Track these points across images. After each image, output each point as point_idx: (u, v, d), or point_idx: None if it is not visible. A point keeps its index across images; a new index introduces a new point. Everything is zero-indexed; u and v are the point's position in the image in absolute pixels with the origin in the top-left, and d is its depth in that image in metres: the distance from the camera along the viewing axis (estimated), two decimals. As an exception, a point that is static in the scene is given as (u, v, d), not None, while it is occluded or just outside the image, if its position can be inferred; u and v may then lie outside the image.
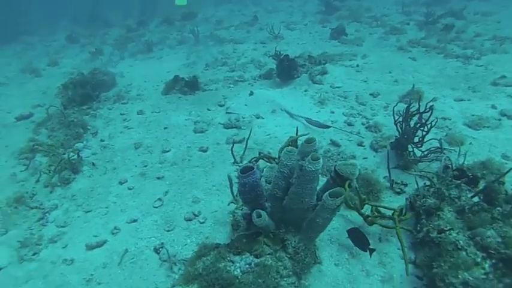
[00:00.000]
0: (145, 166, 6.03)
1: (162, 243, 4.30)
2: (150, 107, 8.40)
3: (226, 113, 7.31)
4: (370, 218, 3.83)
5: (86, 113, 8.42)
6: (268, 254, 3.25)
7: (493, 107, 6.40)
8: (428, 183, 4.09)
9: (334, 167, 3.15)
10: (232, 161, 5.64)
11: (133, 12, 22.81)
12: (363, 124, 6.39)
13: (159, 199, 5.11)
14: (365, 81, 8.22)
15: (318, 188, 3.33)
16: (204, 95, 8.63)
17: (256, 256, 3.22)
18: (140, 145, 6.68)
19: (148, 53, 13.91)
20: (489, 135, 5.63)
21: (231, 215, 4.43)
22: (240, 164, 5.52)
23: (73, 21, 22.81)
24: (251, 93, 7.69)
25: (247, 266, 3.10)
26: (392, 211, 3.74)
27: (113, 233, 4.59)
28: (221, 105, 7.80)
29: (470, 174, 4.11)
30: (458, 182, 3.83)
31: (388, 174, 4.70)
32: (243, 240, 3.39)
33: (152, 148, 6.57)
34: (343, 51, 10.33)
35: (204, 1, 22.19)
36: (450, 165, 4.36)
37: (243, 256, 3.23)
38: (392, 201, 4.37)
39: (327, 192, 2.98)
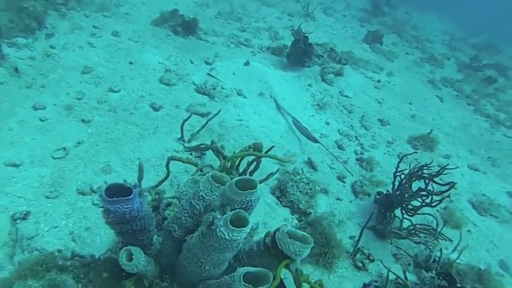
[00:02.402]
0: (79, 99, 4.68)
1: (28, 212, 3.06)
2: (130, 32, 6.89)
3: (207, 74, 5.93)
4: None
5: (55, 7, 6.80)
6: (126, 314, 2.05)
7: (509, 194, 5.22)
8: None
9: (274, 234, 1.90)
10: (179, 136, 4.35)
11: None
12: (355, 153, 5.14)
13: (64, 149, 3.82)
14: (379, 103, 6.90)
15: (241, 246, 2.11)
16: (196, 43, 7.17)
17: (105, 311, 2.02)
18: (90, 71, 5.29)
19: (165, -25, 12.10)
20: (493, 229, 4.48)
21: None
22: (186, 145, 4.24)
23: None
24: (247, 63, 6.30)
25: (78, 326, 1.90)
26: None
27: (-25, 171, 3.32)
28: (208, 63, 6.40)
29: (459, 286, 2.95)
30: (443, 298, 2.66)
31: (357, 236, 3.51)
32: (102, 273, 2.17)
33: (101, 80, 5.18)
34: (370, 59, 8.89)
35: None
36: (439, 261, 3.18)
37: (87, 303, 2.01)
38: (345, 278, 3.20)
39: (243, 271, 1.75)
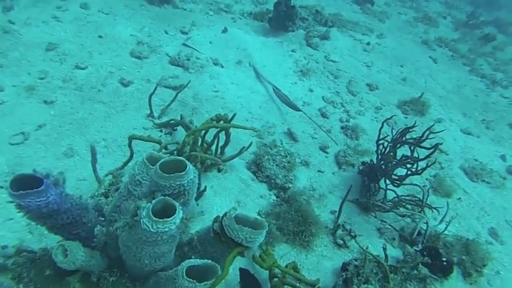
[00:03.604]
0: (42, 79, 4.35)
1: (-22, 204, 2.84)
2: (101, 3, 6.41)
3: (183, 44, 5.55)
4: (277, 280, 2.46)
5: (16, -21, 6.36)
6: (68, 314, 1.85)
7: (503, 157, 4.98)
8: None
9: (222, 219, 1.66)
10: (149, 111, 4.06)
11: None
12: (340, 121, 4.86)
13: (23, 133, 3.55)
14: (368, 66, 6.54)
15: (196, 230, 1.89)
16: (173, 12, 6.71)
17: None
18: (55, 48, 4.91)
19: None
20: (485, 195, 4.27)
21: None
22: (156, 121, 3.96)
23: None
24: (224, 30, 5.90)
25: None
26: (312, 286, 2.39)
27: None
28: (184, 32, 5.99)
29: (444, 260, 2.76)
30: (427, 273, 2.47)
31: (338, 210, 3.29)
32: (45, 270, 1.97)
33: (67, 57, 4.82)
34: (360, 21, 8.42)
35: None
36: (425, 234, 2.98)
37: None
38: (324, 257, 3.01)
39: (186, 265, 1.53)
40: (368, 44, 7.28)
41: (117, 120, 3.96)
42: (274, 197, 3.45)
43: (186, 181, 1.45)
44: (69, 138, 3.64)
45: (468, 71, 7.71)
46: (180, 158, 1.45)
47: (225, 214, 1.64)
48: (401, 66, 7.01)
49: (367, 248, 2.58)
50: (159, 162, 1.43)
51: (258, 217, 1.65)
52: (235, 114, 3.01)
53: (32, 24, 5.28)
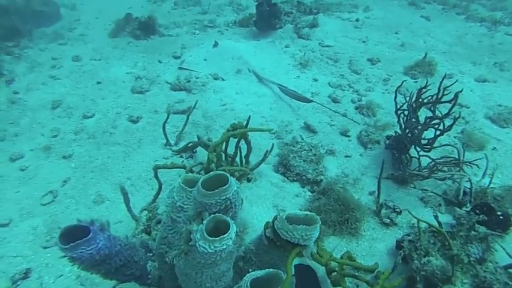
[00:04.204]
0: (55, 136, 4.44)
1: (28, 269, 2.86)
2: (91, 51, 6.55)
3: (179, 68, 5.58)
4: (335, 274, 2.40)
5: (7, 51, 6.54)
6: None
7: (527, 94, 4.82)
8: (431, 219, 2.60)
9: (273, 224, 1.62)
10: (165, 141, 4.06)
11: None
12: (352, 102, 4.79)
13: (51, 192, 3.60)
14: (364, 42, 6.46)
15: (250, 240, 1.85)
16: (160, 41, 6.79)
17: None
18: (59, 104, 5.01)
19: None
20: (520, 138, 4.13)
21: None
22: (174, 148, 3.96)
23: None
24: (215, 44, 5.90)
25: None
26: (372, 272, 2.31)
27: (-36, 243, 3.12)
28: (176, 57, 6.03)
29: (500, 214, 2.65)
30: (486, 231, 2.37)
31: (376, 190, 3.21)
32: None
33: (73, 110, 4.90)
34: (343, 0, 8.34)
35: None
36: (470, 192, 2.88)
37: None
38: (375, 240, 2.92)
39: (249, 279, 1.49)
40: (357, 20, 7.21)
41: (136, 157, 3.98)
42: (309, 193, 3.39)
43: (231, 194, 1.42)
44: (95, 186, 3.67)
45: (464, 19, 7.53)
46: (219, 171, 1.43)
47: (275, 217, 1.60)
48: (396, 33, 6.90)
49: (419, 216, 2.48)
50: (200, 180, 1.40)
51: (308, 212, 1.61)
52: (249, 117, 2.98)
53: (33, 89, 5.43)
